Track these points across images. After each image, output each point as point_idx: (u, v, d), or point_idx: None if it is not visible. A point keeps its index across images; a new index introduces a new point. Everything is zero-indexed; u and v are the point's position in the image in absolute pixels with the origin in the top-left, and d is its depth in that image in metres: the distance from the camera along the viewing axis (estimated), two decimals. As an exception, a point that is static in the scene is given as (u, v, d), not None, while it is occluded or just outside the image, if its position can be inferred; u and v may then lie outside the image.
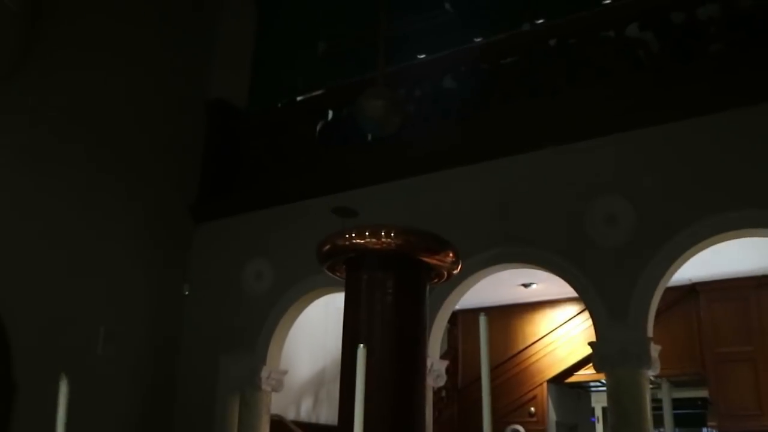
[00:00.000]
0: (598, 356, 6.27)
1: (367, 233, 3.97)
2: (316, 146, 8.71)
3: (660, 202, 6.35)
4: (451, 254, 4.11)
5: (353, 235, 4.01)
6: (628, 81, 6.83)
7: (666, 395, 1.64)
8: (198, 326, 8.95)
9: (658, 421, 6.90)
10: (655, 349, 6.12)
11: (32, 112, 7.81)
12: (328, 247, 4.13)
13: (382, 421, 3.82)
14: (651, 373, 6.15)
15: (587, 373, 10.23)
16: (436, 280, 4.33)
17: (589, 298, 6.43)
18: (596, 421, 12.56)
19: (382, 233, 3.96)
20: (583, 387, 11.40)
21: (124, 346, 8.40)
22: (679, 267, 6.35)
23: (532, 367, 10.59)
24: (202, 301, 8.99)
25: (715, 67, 6.42)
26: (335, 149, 8.52)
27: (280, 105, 9.92)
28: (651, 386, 6.18)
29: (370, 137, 8.29)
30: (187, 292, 9.14)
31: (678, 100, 6.45)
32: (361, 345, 1.45)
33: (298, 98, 9.66)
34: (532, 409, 10.50)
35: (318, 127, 8.91)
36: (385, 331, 3.97)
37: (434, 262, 4.08)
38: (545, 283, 9.56)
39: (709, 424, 9.08)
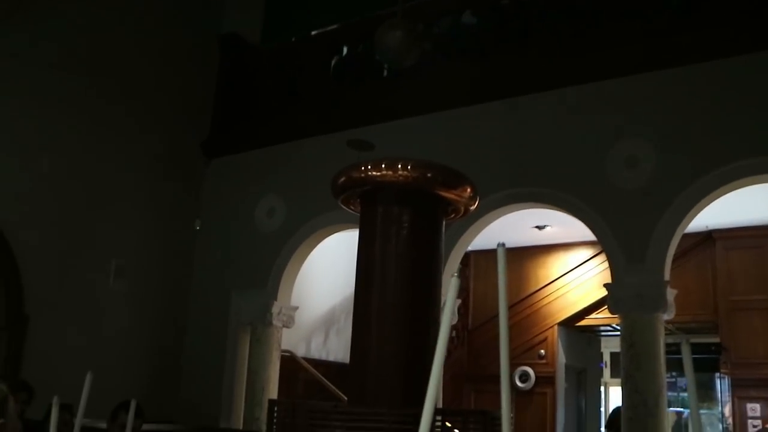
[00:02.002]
0: (613, 299, 6.20)
1: (383, 166, 3.89)
2: (330, 82, 8.56)
3: (681, 147, 6.20)
4: (468, 189, 4.03)
5: (369, 167, 3.93)
6: (653, 21, 6.61)
7: (686, 353, 1.54)
8: (209, 261, 8.95)
9: (671, 366, 6.89)
10: (671, 293, 6.05)
11: (42, 47, 7.71)
12: (343, 179, 4.05)
13: (395, 357, 3.78)
14: (666, 317, 6.09)
15: (598, 317, 10.21)
16: (452, 216, 4.25)
17: (607, 241, 6.34)
18: (604, 366, 12.60)
19: (399, 166, 3.87)
20: (594, 331, 11.39)
21: (135, 280, 8.41)
22: (699, 212, 6.25)
23: (543, 309, 10.56)
24: (214, 236, 8.97)
25: (741, 8, 6.20)
26: (350, 85, 8.37)
27: (294, 40, 9.73)
28: (666, 332, 6.14)
29: (385, 73, 8.12)
30: (198, 228, 9.11)
31: (704, 42, 6.25)
32: (455, 274, 1.36)
33: (313, 33, 9.47)
34: (542, 351, 10.51)
35: (333, 63, 8.75)
36: (399, 266, 3.91)
37: (451, 196, 4.00)
38: (559, 226, 9.47)
39: (722, 370, 9.05)
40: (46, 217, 7.65)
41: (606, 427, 9.52)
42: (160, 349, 8.62)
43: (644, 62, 6.52)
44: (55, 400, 2.20)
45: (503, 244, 1.51)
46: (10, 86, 7.45)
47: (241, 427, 7.99)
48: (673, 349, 6.60)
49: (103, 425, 5.27)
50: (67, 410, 4.44)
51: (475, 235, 7.30)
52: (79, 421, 2.31)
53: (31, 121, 7.59)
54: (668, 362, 6.18)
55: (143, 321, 8.47)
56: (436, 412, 3.79)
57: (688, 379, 1.53)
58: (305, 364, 9.34)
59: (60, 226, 7.76)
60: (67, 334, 7.59)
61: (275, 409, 3.86)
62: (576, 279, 10.38)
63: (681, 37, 6.37)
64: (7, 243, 7.27)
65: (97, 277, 8.07)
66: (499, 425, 3.45)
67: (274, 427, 3.77)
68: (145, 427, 5.83)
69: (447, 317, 1.24)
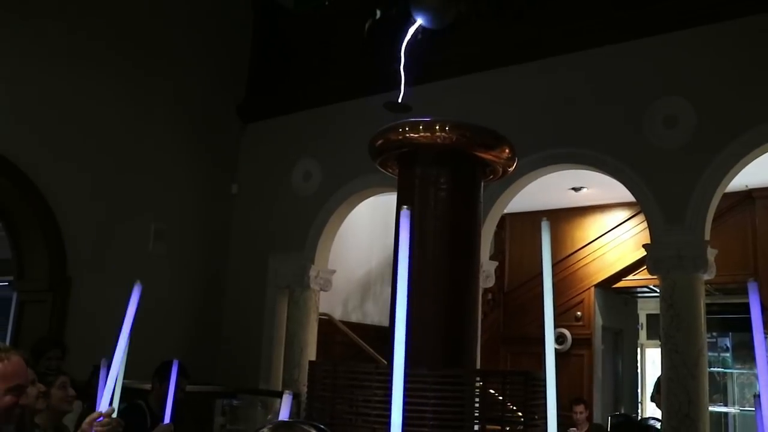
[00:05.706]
0: (652, 259, 6.15)
1: (421, 127, 3.86)
2: (365, 44, 8.50)
3: (721, 105, 6.09)
4: (507, 150, 3.99)
5: (407, 129, 3.91)
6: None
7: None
8: (247, 225, 9.02)
9: (711, 326, 6.83)
10: (711, 253, 5.99)
11: (82, 14, 7.79)
12: (381, 141, 4.03)
13: (435, 318, 3.78)
14: (706, 277, 6.04)
15: (635, 278, 10.14)
16: (490, 177, 4.22)
17: (645, 201, 6.27)
18: (640, 328, 12.53)
19: (437, 127, 3.84)
20: (630, 293, 11.32)
21: (174, 244, 8.52)
22: (738, 171, 6.15)
23: (580, 271, 10.51)
24: (251, 200, 9.03)
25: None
26: (385, 47, 8.30)
27: (327, 2, 9.67)
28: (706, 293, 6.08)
29: (419, 36, 8.03)
30: (235, 192, 9.18)
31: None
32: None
33: (347, -5, 9.39)
34: (579, 313, 10.47)
35: (367, 25, 8.67)
36: (438, 228, 3.89)
37: (489, 157, 3.96)
38: (596, 188, 9.39)
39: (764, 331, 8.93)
40: (87, 182, 7.78)
41: (655, 393, 9.46)
42: (199, 311, 8.74)
43: (683, 19, 6.39)
44: (103, 361, 2.27)
45: (548, 221, 1.52)
46: (53, 51, 7.55)
47: (279, 389, 8.10)
48: (713, 309, 6.55)
49: (147, 386, 5.36)
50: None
51: (512, 197, 7.27)
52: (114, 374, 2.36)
53: (71, 86, 7.68)
54: (708, 322, 6.13)
55: (182, 284, 8.59)
56: (476, 372, 3.80)
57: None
58: (343, 326, 9.41)
59: (100, 190, 7.89)
60: (108, 296, 7.70)
61: (316, 370, 3.89)
62: (613, 240, 10.31)
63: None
64: (50, 208, 7.42)
65: (137, 240, 8.20)
66: (540, 386, 3.45)
67: (315, 388, 3.80)
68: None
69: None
